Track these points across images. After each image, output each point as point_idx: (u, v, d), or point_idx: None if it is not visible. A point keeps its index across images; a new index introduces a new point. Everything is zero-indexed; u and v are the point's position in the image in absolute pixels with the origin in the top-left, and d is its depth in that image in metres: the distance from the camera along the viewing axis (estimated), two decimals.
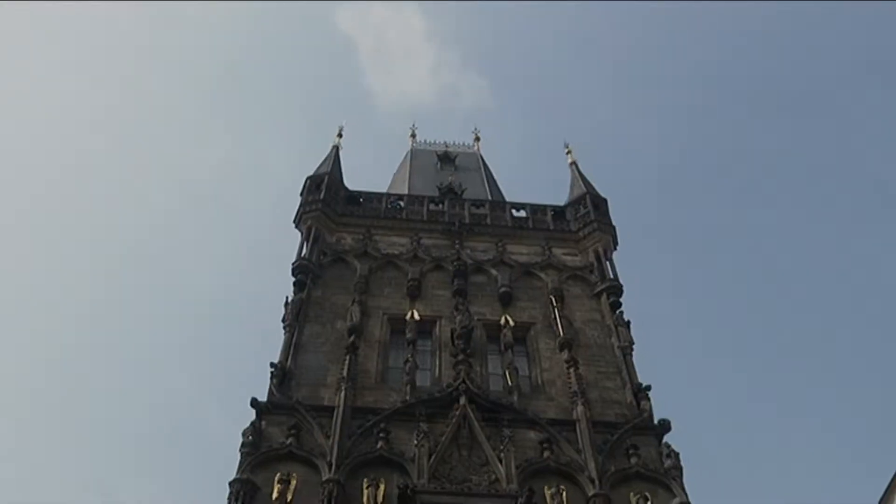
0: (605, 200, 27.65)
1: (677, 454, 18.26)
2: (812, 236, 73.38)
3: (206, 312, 73.15)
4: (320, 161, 28.73)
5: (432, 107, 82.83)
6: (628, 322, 22.44)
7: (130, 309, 70.42)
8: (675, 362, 66.75)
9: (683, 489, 17.43)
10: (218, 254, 76.55)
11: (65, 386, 67.07)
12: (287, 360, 20.09)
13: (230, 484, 16.60)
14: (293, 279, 23.03)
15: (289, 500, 16.47)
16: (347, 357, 19.87)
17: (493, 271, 24.22)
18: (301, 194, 26.58)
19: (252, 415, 18.41)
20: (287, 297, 22.26)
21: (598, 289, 23.78)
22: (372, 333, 21.48)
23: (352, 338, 20.57)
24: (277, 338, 20.96)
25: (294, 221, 25.73)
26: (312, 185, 26.78)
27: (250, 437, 17.65)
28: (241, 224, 77.81)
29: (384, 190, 30.51)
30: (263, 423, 18.28)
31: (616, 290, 23.66)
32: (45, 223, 72.60)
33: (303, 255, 23.95)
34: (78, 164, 76.38)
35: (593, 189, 28.22)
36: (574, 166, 30.19)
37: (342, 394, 18.80)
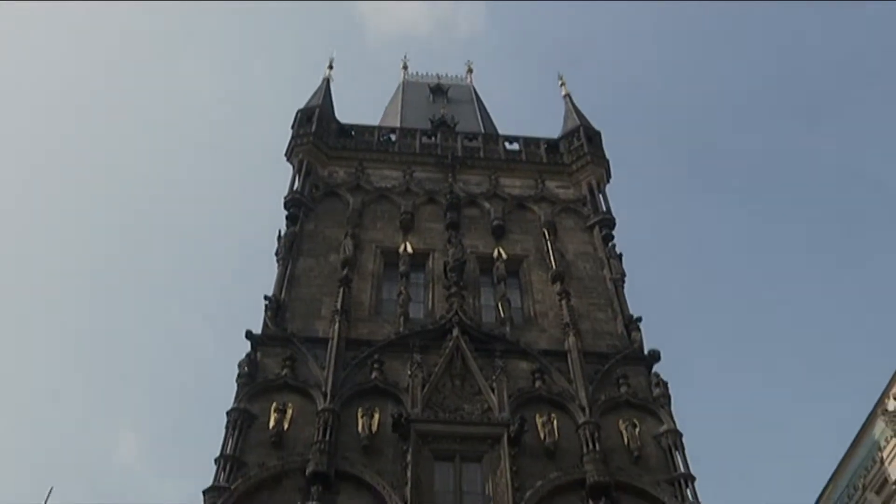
0: (598, 133, 27.48)
1: (666, 383, 18.61)
2: (811, 172, 73.38)
3: (202, 247, 73.41)
4: (311, 94, 28.38)
5: (425, 37, 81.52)
6: (620, 255, 22.57)
7: (129, 246, 70.69)
8: (666, 294, 67.45)
9: (671, 416, 17.82)
10: (211, 188, 76.34)
11: (65, 320, 67.53)
12: (281, 292, 20.21)
13: (228, 413, 16.90)
14: (286, 213, 23.00)
15: (285, 428, 16.79)
16: (341, 290, 20.01)
17: (486, 204, 24.21)
18: (292, 127, 26.33)
19: (247, 347, 18.67)
20: (280, 231, 22.29)
21: (591, 221, 23.84)
22: (365, 266, 21.57)
23: (345, 271, 20.67)
24: (272, 271, 21.11)
25: (286, 154, 25.55)
26: (303, 117, 26.50)
27: (246, 369, 17.89)
28: (233, 158, 77.35)
29: (376, 123, 30.22)
30: (258, 354, 18.51)
31: (608, 222, 23.72)
32: (45, 161, 72.20)
33: (295, 188, 23.87)
34: (75, 102, 75.64)
35: (587, 121, 28.01)
36: (568, 98, 29.90)
37: (336, 326, 18.99)
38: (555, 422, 17.32)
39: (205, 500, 15.25)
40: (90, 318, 69.28)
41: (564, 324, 19.85)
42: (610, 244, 23.04)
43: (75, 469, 61.39)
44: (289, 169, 24.98)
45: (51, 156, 71.12)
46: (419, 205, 23.93)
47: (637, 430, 17.47)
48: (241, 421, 16.71)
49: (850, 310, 68.72)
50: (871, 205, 66.89)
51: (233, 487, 15.46)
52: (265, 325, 19.15)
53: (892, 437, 20.70)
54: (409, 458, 16.17)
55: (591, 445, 16.74)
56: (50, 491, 21.39)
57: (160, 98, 78.78)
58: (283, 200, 23.31)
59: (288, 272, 20.90)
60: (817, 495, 25.26)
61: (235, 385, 17.56)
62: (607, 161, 26.34)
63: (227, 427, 16.63)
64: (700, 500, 16.17)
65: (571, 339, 19.35)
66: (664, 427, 17.58)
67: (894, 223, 63.42)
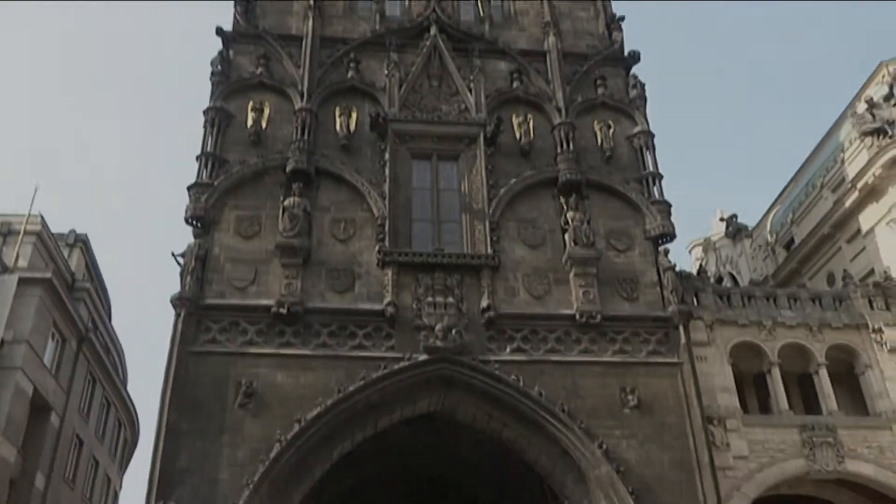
0: None
1: (643, 85, 18.61)
2: None
3: None
4: None
5: None
6: None
7: None
8: None
9: (645, 118, 18.07)
10: None
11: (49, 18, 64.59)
12: None
13: (204, 112, 16.88)
14: None
15: (263, 127, 16.92)
16: None
17: None
18: None
19: (220, 45, 18.15)
20: None
21: None
22: None
23: None
24: None
25: None
26: None
27: (219, 67, 17.55)
28: None
29: None
30: (231, 52, 18.06)
31: None
32: None
33: None
34: None
35: None
36: None
37: (310, 22, 18.37)
38: (531, 122, 17.56)
39: (189, 196, 15.76)
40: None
41: (545, 23, 19.31)
42: None
43: (59, 168, 62.51)
44: None
45: None
46: None
47: (611, 130, 17.80)
48: (218, 119, 16.75)
49: (827, 23, 67.15)
50: None
51: (216, 183, 15.92)
52: (236, 21, 18.45)
53: (856, 139, 21.25)
54: (386, 156, 16.57)
55: (565, 145, 17.14)
56: (35, 190, 21.94)
57: None
58: None
59: None
60: (777, 194, 26.58)
61: (210, 84, 17.35)
62: None
63: (205, 126, 16.71)
64: (665, 197, 16.98)
65: (551, 38, 18.96)
66: (637, 128, 17.89)
67: None
